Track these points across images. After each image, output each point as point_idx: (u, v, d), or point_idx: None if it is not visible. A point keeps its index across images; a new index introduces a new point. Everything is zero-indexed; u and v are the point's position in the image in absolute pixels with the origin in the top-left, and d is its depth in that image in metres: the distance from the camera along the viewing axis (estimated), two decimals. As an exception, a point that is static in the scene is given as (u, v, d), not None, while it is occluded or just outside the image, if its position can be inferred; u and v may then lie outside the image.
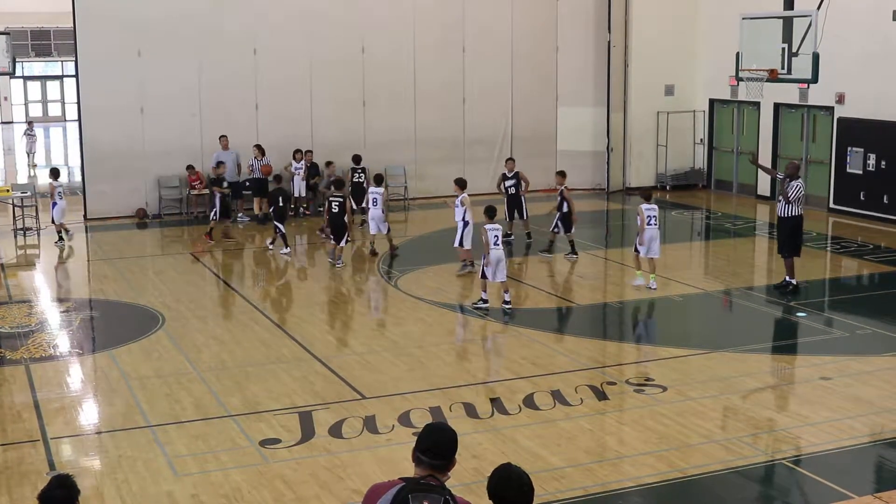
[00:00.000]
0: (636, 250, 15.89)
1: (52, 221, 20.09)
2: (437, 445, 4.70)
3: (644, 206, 15.77)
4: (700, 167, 26.45)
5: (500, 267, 14.49)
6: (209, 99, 22.83)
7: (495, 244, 14.45)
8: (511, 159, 19.82)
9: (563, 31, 25.86)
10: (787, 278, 15.70)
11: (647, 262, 15.88)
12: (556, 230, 18.03)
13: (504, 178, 19.30)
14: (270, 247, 19.14)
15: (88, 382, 12.09)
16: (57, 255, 19.41)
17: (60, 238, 19.89)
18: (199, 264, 18.40)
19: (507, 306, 14.67)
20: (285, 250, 18.80)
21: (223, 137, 22.19)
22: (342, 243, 17.56)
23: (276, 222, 18.93)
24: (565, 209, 17.82)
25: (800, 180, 15.63)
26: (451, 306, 15.18)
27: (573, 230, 18.02)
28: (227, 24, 22.86)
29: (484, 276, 14.67)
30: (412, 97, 24.66)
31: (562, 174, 18.45)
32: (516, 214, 19.21)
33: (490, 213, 14.72)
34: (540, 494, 8.75)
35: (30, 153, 35.90)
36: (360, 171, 21.65)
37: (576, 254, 18.13)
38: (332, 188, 18.33)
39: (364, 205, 20.03)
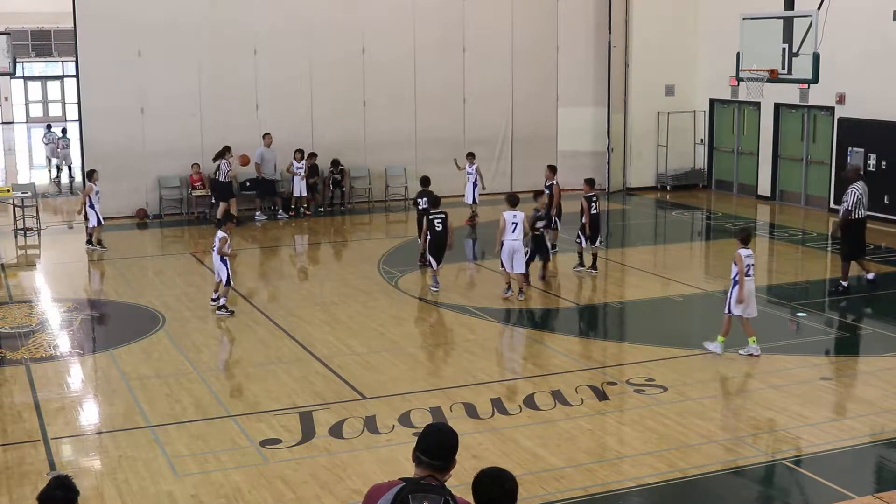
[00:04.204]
0: (728, 310, 12.51)
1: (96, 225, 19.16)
2: (436, 446, 4.70)
3: (743, 251, 12.43)
4: (700, 167, 26.45)
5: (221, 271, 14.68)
6: (209, 99, 22.83)
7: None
8: (549, 167, 18.94)
9: (564, 32, 25.85)
10: (841, 281, 15.85)
11: (736, 323, 12.62)
12: (578, 240, 17.09)
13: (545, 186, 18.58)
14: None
15: (89, 382, 12.10)
16: (61, 256, 19.44)
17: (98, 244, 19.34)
18: (200, 264, 18.40)
19: (218, 308, 14.77)
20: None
21: (267, 135, 22.28)
22: (438, 267, 15.88)
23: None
24: (583, 219, 16.78)
25: (857, 183, 15.66)
26: (451, 306, 15.17)
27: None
28: (227, 25, 22.86)
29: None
30: (412, 98, 24.66)
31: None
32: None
33: (220, 223, 15.54)
34: (540, 494, 8.78)
35: (63, 161, 31.07)
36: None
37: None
38: (428, 206, 16.23)
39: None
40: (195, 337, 13.67)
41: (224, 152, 21.48)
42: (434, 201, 16.11)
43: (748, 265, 12.33)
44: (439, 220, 15.69)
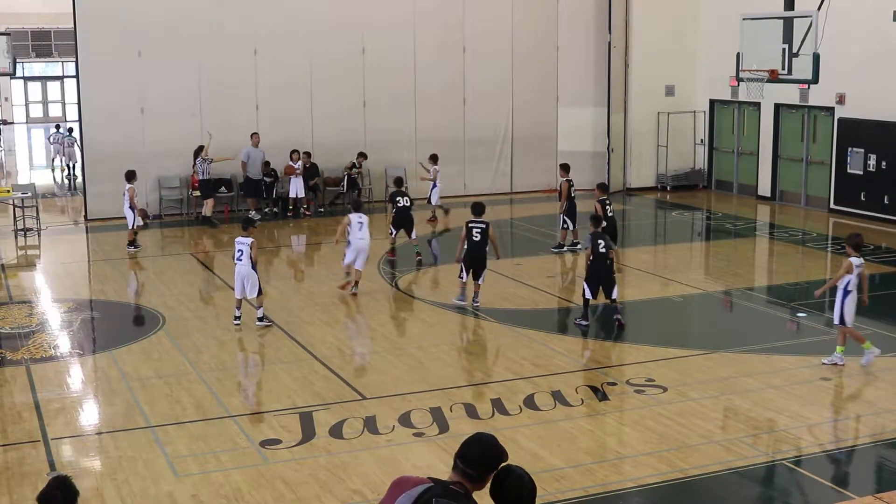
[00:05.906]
0: (842, 321, 12.12)
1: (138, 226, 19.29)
2: (474, 455, 4.65)
3: (855, 260, 12.01)
4: (700, 168, 26.45)
5: None
6: (209, 99, 22.83)
7: None
8: (561, 165, 19.46)
9: (563, 32, 25.86)
10: None
11: (842, 333, 12.34)
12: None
13: None
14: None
15: (89, 383, 12.10)
16: (61, 256, 19.45)
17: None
18: (199, 265, 18.39)
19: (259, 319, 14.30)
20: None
21: (255, 135, 22.41)
22: (480, 280, 14.87)
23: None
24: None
25: None
26: (451, 306, 15.15)
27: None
28: (227, 25, 22.87)
29: None
30: (412, 98, 24.66)
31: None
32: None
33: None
34: (540, 495, 8.71)
35: (70, 164, 31.06)
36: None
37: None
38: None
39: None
40: (195, 337, 13.67)
41: (198, 152, 21.52)
42: (475, 209, 14.89)
43: (858, 273, 11.97)
44: (478, 231, 14.67)
